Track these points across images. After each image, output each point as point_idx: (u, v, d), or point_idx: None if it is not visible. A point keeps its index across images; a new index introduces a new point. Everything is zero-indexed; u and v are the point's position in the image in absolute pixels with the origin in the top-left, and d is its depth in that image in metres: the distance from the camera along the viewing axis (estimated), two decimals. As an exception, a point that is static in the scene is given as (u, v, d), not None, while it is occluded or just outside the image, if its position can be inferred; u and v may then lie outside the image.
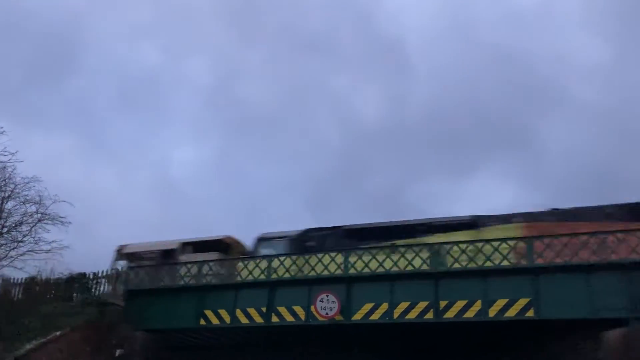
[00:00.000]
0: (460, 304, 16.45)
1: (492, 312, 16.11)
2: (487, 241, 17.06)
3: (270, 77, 64.58)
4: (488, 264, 16.62)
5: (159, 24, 67.47)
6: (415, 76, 63.08)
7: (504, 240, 17.00)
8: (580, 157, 51.57)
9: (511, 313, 15.93)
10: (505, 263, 16.50)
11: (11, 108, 53.14)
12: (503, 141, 56.64)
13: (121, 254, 23.08)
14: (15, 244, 19.12)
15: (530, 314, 15.74)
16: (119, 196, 55.45)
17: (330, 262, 18.35)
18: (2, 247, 19.03)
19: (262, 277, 18.97)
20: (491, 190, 55.83)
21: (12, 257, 19.17)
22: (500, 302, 16.08)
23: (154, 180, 60.91)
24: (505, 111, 57.51)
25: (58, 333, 18.56)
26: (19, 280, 22.15)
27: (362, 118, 60.69)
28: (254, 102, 62.75)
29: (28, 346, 17.72)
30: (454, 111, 58.86)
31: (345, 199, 58.29)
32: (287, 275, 18.72)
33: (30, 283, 22.05)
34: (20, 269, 19.73)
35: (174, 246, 22.23)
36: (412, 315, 16.90)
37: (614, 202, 18.15)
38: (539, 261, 16.12)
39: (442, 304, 16.66)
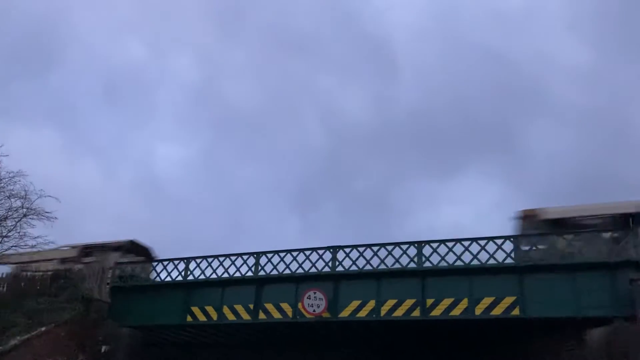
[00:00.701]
0: (446, 302, 16.54)
1: (478, 310, 16.20)
2: (474, 240, 17.15)
3: (256, 76, 64.48)
4: (474, 262, 16.73)
5: (144, 20, 67.08)
6: (401, 77, 63.31)
7: (491, 238, 17.15)
8: (564, 158, 52.06)
9: (497, 311, 16.04)
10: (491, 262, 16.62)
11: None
12: (489, 142, 57.04)
13: (534, 220, 18.10)
14: (0, 239, 18.93)
15: (515, 312, 15.86)
16: (103, 192, 55.02)
17: None
18: (-14, 242, 18.85)
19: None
20: (477, 192, 56.22)
21: (-4, 252, 19.01)
22: (487, 301, 16.18)
23: (138, 176, 60.65)
24: (491, 111, 57.92)
25: (43, 329, 18.41)
26: (4, 276, 21.93)
27: (348, 118, 60.75)
28: (239, 100, 62.61)
29: (12, 342, 17.55)
30: (440, 112, 59.23)
31: (331, 199, 58.44)
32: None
33: (15, 278, 21.81)
34: (4, 264, 19.58)
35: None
36: (399, 313, 16.95)
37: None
38: (525, 260, 16.24)
39: (429, 302, 16.74)
